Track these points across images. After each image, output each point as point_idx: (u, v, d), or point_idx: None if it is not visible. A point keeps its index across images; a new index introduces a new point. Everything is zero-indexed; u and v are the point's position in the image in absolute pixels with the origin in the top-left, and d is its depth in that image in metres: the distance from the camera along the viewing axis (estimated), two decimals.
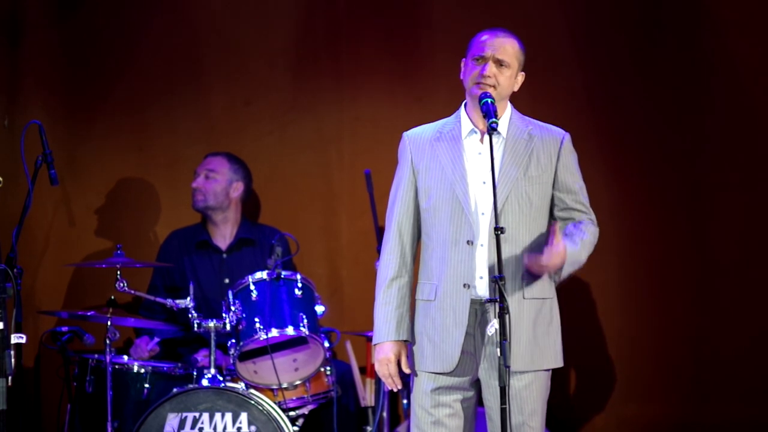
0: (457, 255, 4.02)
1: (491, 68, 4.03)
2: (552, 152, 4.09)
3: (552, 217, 4.13)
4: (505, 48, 4.05)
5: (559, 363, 4.12)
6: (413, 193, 4.12)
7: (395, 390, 4.13)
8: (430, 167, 4.09)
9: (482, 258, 4.01)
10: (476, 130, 4.09)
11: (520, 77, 4.12)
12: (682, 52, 6.19)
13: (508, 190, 4.02)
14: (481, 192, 4.03)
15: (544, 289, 4.08)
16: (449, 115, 4.19)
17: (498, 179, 3.99)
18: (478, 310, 4.02)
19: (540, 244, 4.04)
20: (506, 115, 4.11)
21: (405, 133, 4.19)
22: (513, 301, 3.99)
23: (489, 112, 3.95)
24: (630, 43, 6.26)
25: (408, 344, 4.11)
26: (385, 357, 4.07)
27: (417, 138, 4.15)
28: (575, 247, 4.00)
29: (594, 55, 6.29)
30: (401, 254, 4.11)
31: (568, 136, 4.14)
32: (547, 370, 4.10)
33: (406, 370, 4.09)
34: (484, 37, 4.07)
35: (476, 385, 4.09)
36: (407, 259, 4.12)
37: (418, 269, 4.15)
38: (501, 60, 4.04)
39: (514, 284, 4.01)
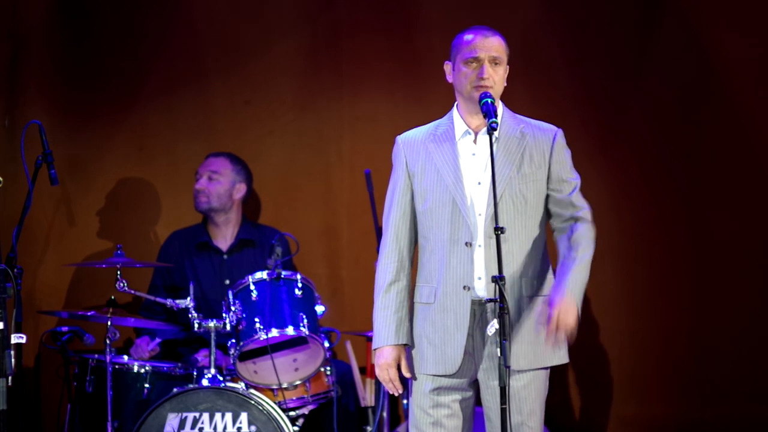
0: (456, 257, 4.02)
1: (489, 69, 4.04)
2: (545, 149, 4.08)
3: (548, 215, 4.12)
4: (496, 46, 4.06)
5: (563, 359, 4.12)
6: (409, 197, 4.12)
7: (396, 394, 4.13)
8: (426, 170, 4.09)
9: (480, 259, 4.01)
10: (470, 131, 4.09)
11: (507, 71, 4.13)
12: (680, 51, 6.19)
13: (503, 188, 4.02)
14: (477, 193, 4.04)
15: (543, 287, 4.08)
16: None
17: (491, 179, 3.99)
18: (477, 311, 4.02)
19: (535, 242, 4.05)
20: (498, 114, 4.10)
21: (398, 137, 4.18)
22: (513, 299, 4.00)
23: (489, 112, 3.94)
24: (629, 42, 6.26)
25: (407, 348, 4.11)
26: (384, 362, 4.07)
27: (410, 141, 4.14)
28: (579, 279, 3.98)
29: (592, 54, 6.29)
30: (399, 258, 4.11)
31: (560, 132, 4.13)
32: (547, 368, 4.09)
33: (407, 374, 4.08)
34: (470, 37, 4.07)
35: (475, 385, 4.09)
36: (405, 263, 4.12)
37: (416, 272, 4.15)
38: (495, 58, 4.05)
39: (513, 282, 4.00)
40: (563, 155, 4.10)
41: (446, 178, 4.05)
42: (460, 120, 4.11)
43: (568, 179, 4.10)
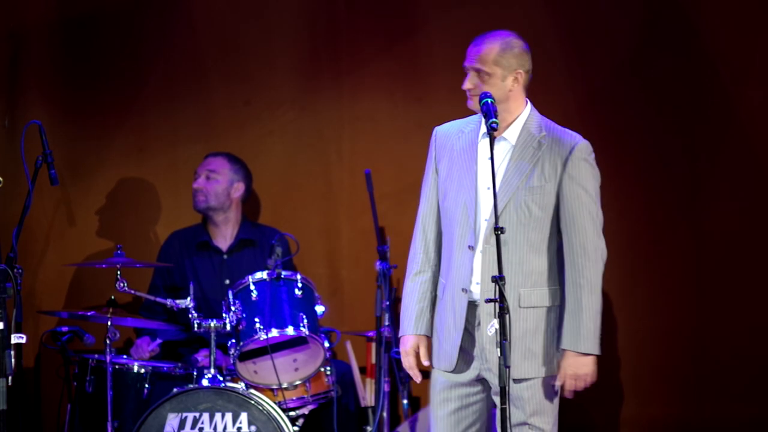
0: (460, 258, 4.04)
1: (470, 81, 4.05)
2: (558, 162, 4.02)
3: (559, 235, 4.07)
4: (480, 56, 4.03)
5: (555, 371, 4.10)
6: (436, 190, 4.15)
7: (417, 381, 4.17)
8: (448, 168, 4.10)
9: (478, 263, 4.01)
10: (488, 135, 4.07)
11: (520, 77, 4.06)
12: (681, 51, 6.19)
13: (507, 198, 4.01)
14: (485, 198, 4.03)
15: (544, 298, 4.05)
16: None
17: (499, 186, 3.97)
18: (478, 311, 4.03)
19: (539, 254, 4.02)
20: (520, 119, 4.07)
21: (436, 129, 4.21)
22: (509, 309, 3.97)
23: (489, 112, 3.92)
24: (629, 42, 6.25)
25: (429, 338, 4.15)
26: (404, 350, 4.14)
27: (443, 136, 4.16)
28: (588, 327, 3.99)
29: (592, 55, 6.29)
30: (425, 250, 4.14)
31: (580, 145, 4.05)
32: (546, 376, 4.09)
33: (425, 363, 4.13)
34: (468, 48, 4.08)
35: (487, 383, 4.10)
36: (431, 254, 4.14)
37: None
38: (478, 69, 4.04)
39: (510, 293, 3.92)
40: (578, 170, 4.02)
41: (462, 180, 4.06)
42: (484, 123, 4.09)
43: (581, 212, 4.01)
